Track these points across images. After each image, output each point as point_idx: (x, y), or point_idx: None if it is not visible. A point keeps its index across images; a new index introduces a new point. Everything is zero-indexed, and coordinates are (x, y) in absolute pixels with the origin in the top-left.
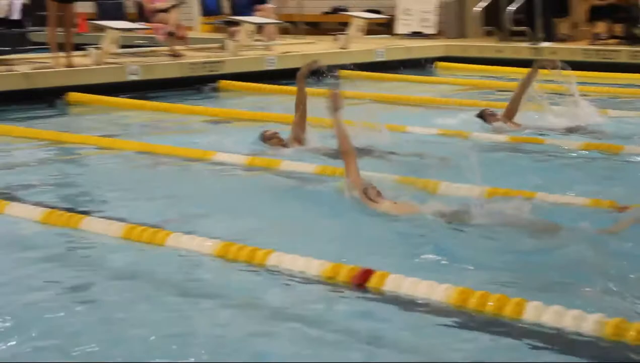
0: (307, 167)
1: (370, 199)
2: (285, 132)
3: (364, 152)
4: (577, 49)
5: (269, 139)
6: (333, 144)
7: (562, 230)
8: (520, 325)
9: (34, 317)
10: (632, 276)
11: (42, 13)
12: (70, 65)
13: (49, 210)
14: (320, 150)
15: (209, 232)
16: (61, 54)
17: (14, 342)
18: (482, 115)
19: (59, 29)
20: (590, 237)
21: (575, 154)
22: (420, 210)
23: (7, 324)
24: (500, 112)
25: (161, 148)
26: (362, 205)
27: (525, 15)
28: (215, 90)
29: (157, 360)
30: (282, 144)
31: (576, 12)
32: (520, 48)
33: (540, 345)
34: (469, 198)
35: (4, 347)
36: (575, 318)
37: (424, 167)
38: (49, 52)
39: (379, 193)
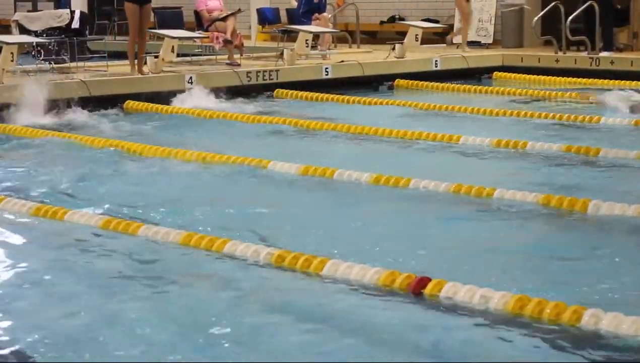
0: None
1: None
2: None
3: None
4: (636, 58)
5: None
6: None
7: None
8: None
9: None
10: None
11: (101, 22)
12: (141, 73)
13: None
14: None
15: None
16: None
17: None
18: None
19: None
20: None
21: None
22: None
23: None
24: None
25: (217, 157)
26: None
27: (584, 25)
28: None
29: None
30: None
31: (636, 22)
32: (579, 58)
33: (596, 352)
34: None
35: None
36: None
37: None
38: (107, 59)
39: None
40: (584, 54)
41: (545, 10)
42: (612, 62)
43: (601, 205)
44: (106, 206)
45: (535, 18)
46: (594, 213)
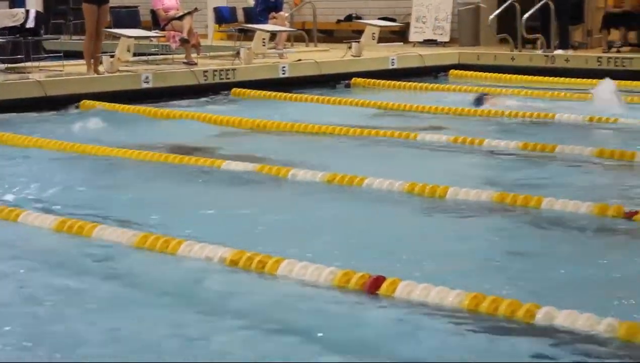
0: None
1: None
2: None
3: None
4: (591, 56)
5: None
6: None
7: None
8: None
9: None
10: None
11: (57, 21)
12: (97, 73)
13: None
14: None
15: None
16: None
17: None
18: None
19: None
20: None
21: None
22: None
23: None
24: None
25: (171, 157)
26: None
27: (540, 23)
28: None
29: None
30: None
31: (590, 20)
32: (534, 56)
33: (552, 347)
34: None
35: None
36: (588, 319)
37: None
38: (63, 59)
39: None
40: (540, 52)
41: (501, 9)
42: (567, 60)
43: (555, 202)
44: (60, 208)
45: (491, 16)
46: (548, 210)
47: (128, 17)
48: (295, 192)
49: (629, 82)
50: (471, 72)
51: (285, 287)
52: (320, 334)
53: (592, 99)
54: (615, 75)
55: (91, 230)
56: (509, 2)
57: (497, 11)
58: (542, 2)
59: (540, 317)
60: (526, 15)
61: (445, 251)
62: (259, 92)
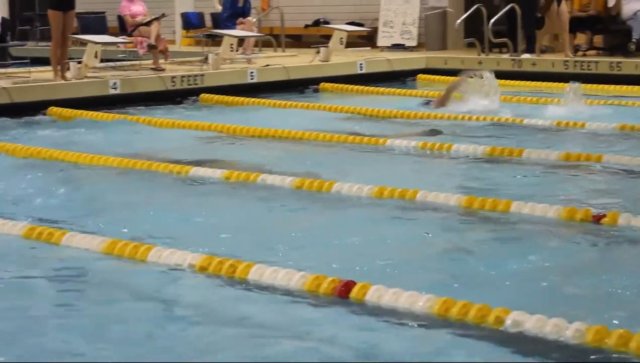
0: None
1: None
2: None
3: None
4: (557, 60)
5: None
6: None
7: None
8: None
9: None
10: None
11: (23, 28)
12: (65, 79)
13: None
14: None
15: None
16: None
17: None
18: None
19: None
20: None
21: None
22: None
23: None
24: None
25: (140, 163)
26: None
27: (507, 27)
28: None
29: None
30: None
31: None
32: (501, 60)
33: (520, 354)
34: None
35: None
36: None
37: None
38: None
39: None
40: (507, 56)
41: (467, 13)
42: (534, 64)
43: (523, 206)
44: (27, 215)
45: (458, 20)
46: (517, 214)
47: (95, 23)
48: (264, 198)
49: (595, 85)
50: (439, 76)
51: (256, 292)
52: (290, 338)
53: (559, 103)
54: (582, 78)
55: (60, 237)
56: (475, 6)
57: (464, 15)
58: (508, 7)
59: (510, 322)
60: (493, 20)
61: (416, 256)
62: (227, 97)
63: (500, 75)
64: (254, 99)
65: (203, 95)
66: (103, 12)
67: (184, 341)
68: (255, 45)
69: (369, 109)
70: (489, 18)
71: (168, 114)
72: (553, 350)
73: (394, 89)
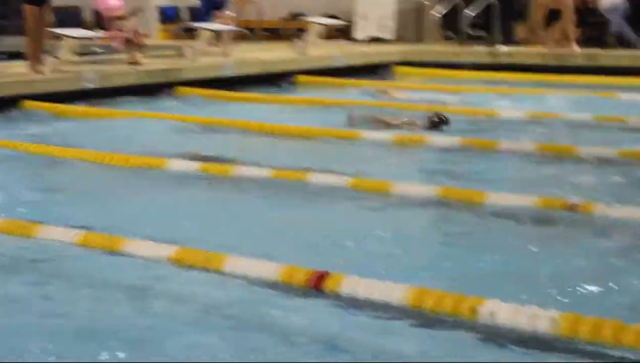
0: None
1: None
2: None
3: None
4: (534, 52)
5: None
6: None
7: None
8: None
9: None
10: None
11: None
12: (40, 73)
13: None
14: None
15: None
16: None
17: None
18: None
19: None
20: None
21: None
22: None
23: None
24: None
25: (118, 158)
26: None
27: (483, 20)
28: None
29: None
30: None
31: (533, 16)
32: (478, 52)
33: (494, 344)
34: None
35: None
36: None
37: None
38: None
39: None
40: (484, 48)
41: (444, 5)
42: (510, 56)
43: (499, 196)
44: (1, 208)
45: (434, 11)
46: (492, 204)
47: (71, 18)
48: (239, 189)
49: (571, 76)
50: (415, 68)
51: (230, 283)
52: (264, 329)
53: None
54: (558, 70)
55: (35, 230)
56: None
57: (439, 6)
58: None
59: (484, 310)
60: (469, 12)
61: (391, 246)
62: (204, 90)
63: (478, 67)
64: (230, 92)
65: (179, 88)
66: (79, 6)
67: (159, 333)
68: (232, 39)
69: (345, 100)
70: (466, 10)
71: (144, 107)
72: (527, 340)
73: (371, 81)
